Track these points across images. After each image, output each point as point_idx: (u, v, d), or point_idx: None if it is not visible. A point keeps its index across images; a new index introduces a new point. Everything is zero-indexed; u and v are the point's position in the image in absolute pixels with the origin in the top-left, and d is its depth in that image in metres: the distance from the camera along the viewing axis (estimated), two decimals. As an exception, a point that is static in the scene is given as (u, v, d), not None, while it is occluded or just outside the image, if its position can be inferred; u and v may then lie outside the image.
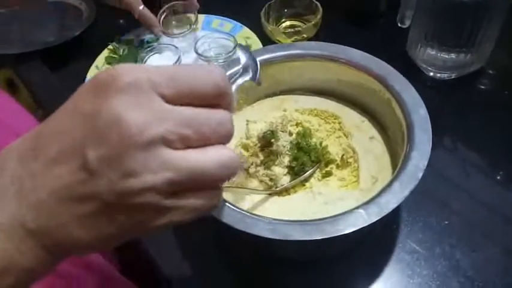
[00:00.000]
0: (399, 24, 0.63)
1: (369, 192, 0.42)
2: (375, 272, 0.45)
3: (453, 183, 0.51)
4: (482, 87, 0.61)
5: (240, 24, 0.72)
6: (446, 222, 0.47)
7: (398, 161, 0.43)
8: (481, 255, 0.44)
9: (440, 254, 0.45)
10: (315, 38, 0.69)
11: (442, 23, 0.57)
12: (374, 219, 0.35)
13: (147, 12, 0.68)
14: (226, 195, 0.40)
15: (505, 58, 0.63)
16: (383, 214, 0.35)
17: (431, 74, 0.62)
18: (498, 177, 0.52)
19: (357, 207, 0.36)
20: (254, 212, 0.42)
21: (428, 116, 0.41)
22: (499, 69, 0.62)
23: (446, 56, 0.60)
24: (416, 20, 0.60)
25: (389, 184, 0.37)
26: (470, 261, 0.44)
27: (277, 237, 0.34)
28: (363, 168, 0.45)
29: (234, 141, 0.50)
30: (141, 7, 0.67)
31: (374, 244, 0.46)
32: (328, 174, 0.46)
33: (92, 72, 0.67)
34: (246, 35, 0.70)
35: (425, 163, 0.38)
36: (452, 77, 0.61)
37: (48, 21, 0.80)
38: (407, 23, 0.62)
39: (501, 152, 0.54)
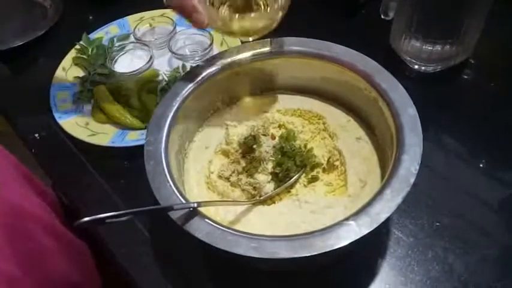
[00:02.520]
0: (382, 16, 0.61)
1: (358, 198, 0.40)
2: (367, 280, 0.42)
3: (442, 180, 0.50)
4: (468, 78, 0.60)
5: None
6: (438, 223, 0.45)
7: (387, 162, 0.41)
8: (474, 256, 0.43)
9: (433, 258, 0.43)
10: (294, 31, 0.65)
11: (427, 13, 0.54)
12: (365, 231, 0.32)
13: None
14: (205, 209, 0.37)
15: (490, 49, 0.61)
16: (375, 225, 0.33)
17: (416, 66, 0.60)
18: (486, 169, 0.50)
19: (347, 218, 0.33)
20: (237, 225, 0.40)
21: (417, 115, 0.39)
22: (485, 61, 0.60)
23: (432, 48, 0.58)
24: (400, 11, 0.58)
25: (380, 191, 0.35)
26: (464, 264, 0.42)
27: (263, 256, 0.32)
28: (351, 171, 0.43)
29: (213, 147, 0.47)
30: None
31: (364, 251, 0.44)
32: (314, 179, 0.43)
33: (58, 75, 0.63)
34: (223, 30, 0.66)
35: (417, 167, 0.36)
36: (438, 70, 0.60)
37: (9, 19, 0.75)
38: (391, 14, 0.60)
39: (490, 144, 0.52)
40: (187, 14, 0.42)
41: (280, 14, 0.44)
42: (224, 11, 0.44)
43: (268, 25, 0.44)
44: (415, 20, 0.55)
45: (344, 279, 0.43)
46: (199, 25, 0.42)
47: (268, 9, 0.44)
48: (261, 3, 0.45)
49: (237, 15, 0.42)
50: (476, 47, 0.58)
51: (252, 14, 0.43)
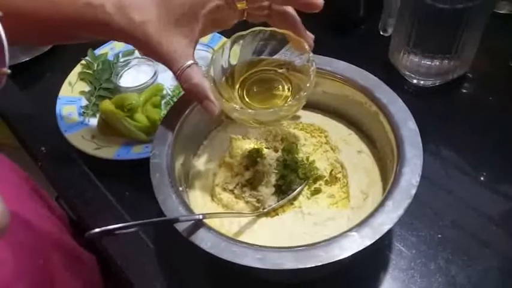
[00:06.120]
0: (381, 32, 0.62)
1: (360, 210, 0.41)
2: (369, 292, 0.43)
3: (443, 192, 0.50)
4: (466, 92, 0.61)
5: (219, 35, 0.69)
6: (440, 235, 0.46)
7: (388, 175, 0.41)
8: (477, 268, 0.43)
9: (435, 270, 0.43)
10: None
11: (425, 29, 0.56)
12: (368, 242, 0.33)
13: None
14: (210, 221, 0.37)
15: (487, 63, 0.62)
16: (377, 237, 0.33)
17: (415, 81, 0.62)
18: (487, 182, 0.51)
19: (350, 230, 0.34)
20: (242, 236, 0.40)
21: (417, 129, 0.40)
22: (482, 75, 0.61)
23: (430, 63, 0.59)
24: (399, 27, 0.59)
25: (382, 203, 0.35)
26: (467, 276, 0.43)
27: (268, 267, 0.32)
28: (353, 183, 0.44)
29: (217, 160, 0.47)
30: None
31: (367, 262, 0.44)
32: (317, 191, 0.44)
33: (65, 90, 0.64)
34: (226, 45, 0.68)
35: (418, 179, 0.36)
36: (436, 84, 0.61)
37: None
38: (390, 30, 0.61)
39: (489, 157, 0.53)
40: (199, 99, 0.40)
41: (301, 106, 0.40)
42: (241, 93, 0.41)
43: (284, 117, 0.41)
44: (413, 35, 0.57)
45: (347, 292, 0.43)
46: (209, 114, 0.40)
47: (289, 99, 0.39)
48: (286, 87, 0.42)
49: (249, 110, 0.39)
50: (474, 61, 0.60)
51: (270, 110, 0.38)
